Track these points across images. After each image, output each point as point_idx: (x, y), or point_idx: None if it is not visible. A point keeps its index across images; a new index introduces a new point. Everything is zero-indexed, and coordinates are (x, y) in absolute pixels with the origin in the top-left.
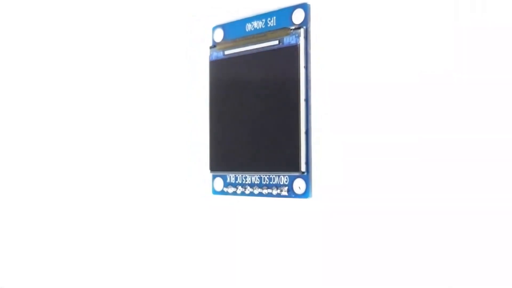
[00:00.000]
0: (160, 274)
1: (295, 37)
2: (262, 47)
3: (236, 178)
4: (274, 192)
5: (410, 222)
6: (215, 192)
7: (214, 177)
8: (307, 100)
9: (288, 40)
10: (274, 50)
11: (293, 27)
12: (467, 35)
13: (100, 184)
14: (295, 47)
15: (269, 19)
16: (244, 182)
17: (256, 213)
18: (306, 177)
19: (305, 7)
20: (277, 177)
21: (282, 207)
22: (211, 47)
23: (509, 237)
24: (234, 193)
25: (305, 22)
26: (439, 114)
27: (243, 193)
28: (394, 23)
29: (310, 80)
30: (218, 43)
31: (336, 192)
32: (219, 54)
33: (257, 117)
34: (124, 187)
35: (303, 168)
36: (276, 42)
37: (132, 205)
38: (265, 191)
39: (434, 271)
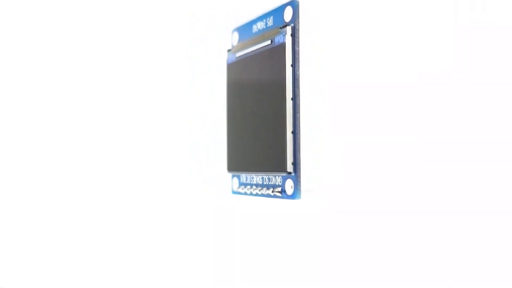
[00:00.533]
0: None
1: (283, 35)
2: (259, 48)
3: (246, 178)
4: (271, 192)
5: (401, 222)
6: (234, 192)
7: (232, 176)
8: (294, 99)
9: (278, 39)
10: (267, 50)
11: (281, 26)
12: (467, 35)
13: (124, 185)
14: (282, 46)
15: (268, 19)
16: (251, 182)
17: (252, 213)
18: (294, 178)
19: (293, 4)
20: (274, 177)
21: (274, 208)
22: (228, 51)
23: (509, 237)
24: (245, 193)
25: (293, 20)
26: (433, 114)
27: (251, 193)
28: (386, 19)
29: (297, 79)
30: (234, 46)
31: (326, 193)
32: (232, 57)
33: (257, 118)
34: (147, 190)
35: (289, 168)
36: (269, 42)
37: (154, 206)
38: (264, 192)
39: (428, 272)
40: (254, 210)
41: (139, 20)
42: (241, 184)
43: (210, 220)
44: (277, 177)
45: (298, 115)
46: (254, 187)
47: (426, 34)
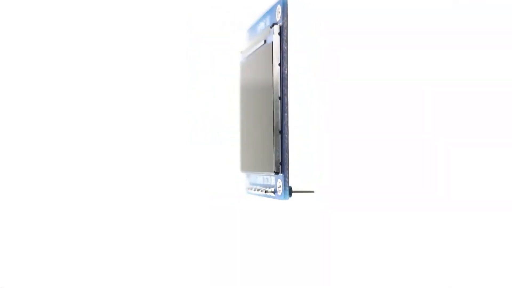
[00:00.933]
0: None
1: (271, 34)
2: (257, 48)
3: (253, 178)
4: (265, 192)
5: (390, 221)
6: (248, 192)
7: (246, 176)
8: (282, 98)
9: (269, 38)
10: (261, 50)
11: (271, 25)
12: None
13: (143, 184)
14: (270, 45)
15: (266, 18)
16: (256, 182)
17: (247, 213)
18: (282, 178)
19: (282, 2)
20: (270, 177)
21: (265, 208)
22: (241, 52)
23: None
24: (252, 193)
25: (281, 19)
26: (424, 113)
27: (256, 193)
28: (375, 17)
29: (285, 78)
30: (246, 47)
31: (316, 194)
32: (242, 58)
33: (255, 118)
34: (166, 190)
35: (276, 168)
36: (263, 42)
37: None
38: (262, 192)
39: (419, 272)
40: (249, 210)
41: (154, 22)
42: (251, 184)
43: (211, 219)
44: (271, 177)
45: (285, 115)
46: (258, 186)
47: (415, 32)
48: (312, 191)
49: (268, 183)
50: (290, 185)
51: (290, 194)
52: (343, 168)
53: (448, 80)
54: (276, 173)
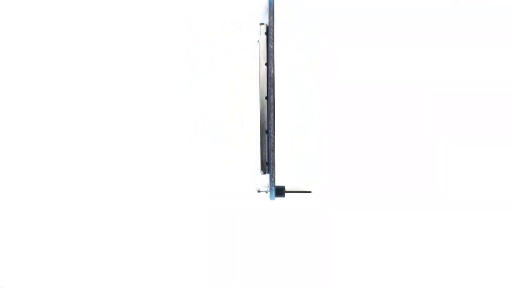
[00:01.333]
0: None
1: (259, 34)
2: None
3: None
4: (258, 192)
5: (386, 220)
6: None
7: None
8: (268, 98)
9: (259, 38)
10: (256, 49)
11: (259, 24)
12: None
13: (143, 184)
14: (257, 44)
15: (263, 18)
16: (263, 181)
17: (244, 213)
18: (269, 178)
19: (269, 2)
20: (266, 177)
21: (260, 208)
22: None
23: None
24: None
25: (268, 18)
26: (416, 113)
27: (265, 192)
28: (362, 17)
29: (272, 77)
30: None
31: (313, 194)
32: None
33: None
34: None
35: (262, 168)
36: (257, 41)
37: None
38: (259, 191)
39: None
40: (245, 210)
41: (154, 23)
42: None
43: (208, 219)
44: (265, 177)
45: (272, 114)
46: (264, 186)
47: (412, 32)
48: (309, 191)
49: (265, 182)
50: (283, 185)
51: (282, 194)
52: (340, 168)
53: (444, 79)
54: (264, 173)
